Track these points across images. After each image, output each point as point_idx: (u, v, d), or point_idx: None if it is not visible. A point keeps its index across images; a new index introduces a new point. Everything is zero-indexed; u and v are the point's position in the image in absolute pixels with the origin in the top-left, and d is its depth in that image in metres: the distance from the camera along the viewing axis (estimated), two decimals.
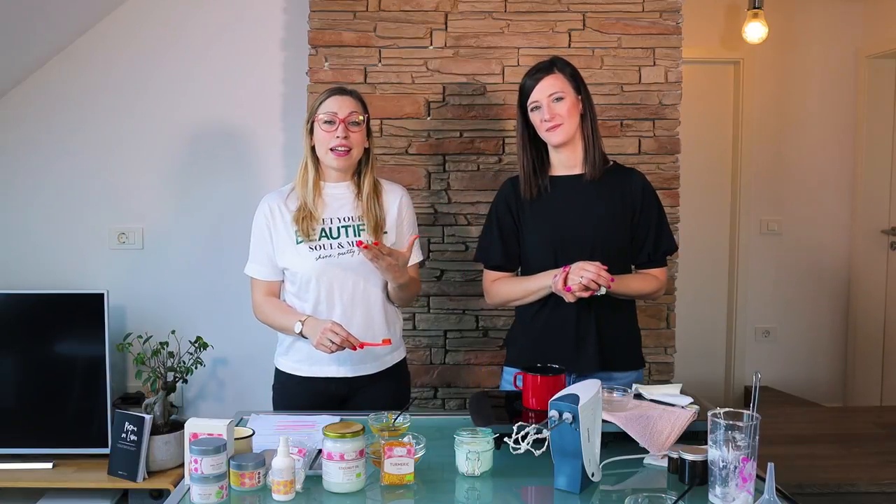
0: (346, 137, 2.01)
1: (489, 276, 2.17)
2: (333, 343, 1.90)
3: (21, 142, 3.11)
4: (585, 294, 1.89)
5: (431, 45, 2.81)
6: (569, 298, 1.91)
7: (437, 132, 2.83)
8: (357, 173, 2.11)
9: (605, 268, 1.88)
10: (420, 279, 2.24)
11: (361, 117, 2.05)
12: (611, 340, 2.05)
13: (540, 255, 2.07)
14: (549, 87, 2.00)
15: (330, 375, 2.08)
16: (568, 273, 1.90)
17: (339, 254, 2.03)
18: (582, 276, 1.87)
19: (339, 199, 2.09)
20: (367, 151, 2.10)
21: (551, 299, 2.02)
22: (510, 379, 2.11)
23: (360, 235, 2.05)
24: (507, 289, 2.12)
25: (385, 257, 1.91)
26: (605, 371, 2.01)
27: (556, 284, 1.92)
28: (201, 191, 3.14)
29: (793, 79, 4.45)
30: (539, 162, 2.09)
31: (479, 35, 2.81)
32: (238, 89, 3.10)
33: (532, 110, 2.04)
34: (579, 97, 2.04)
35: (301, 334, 2.00)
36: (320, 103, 2.04)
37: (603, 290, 1.89)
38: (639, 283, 2.08)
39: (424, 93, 2.82)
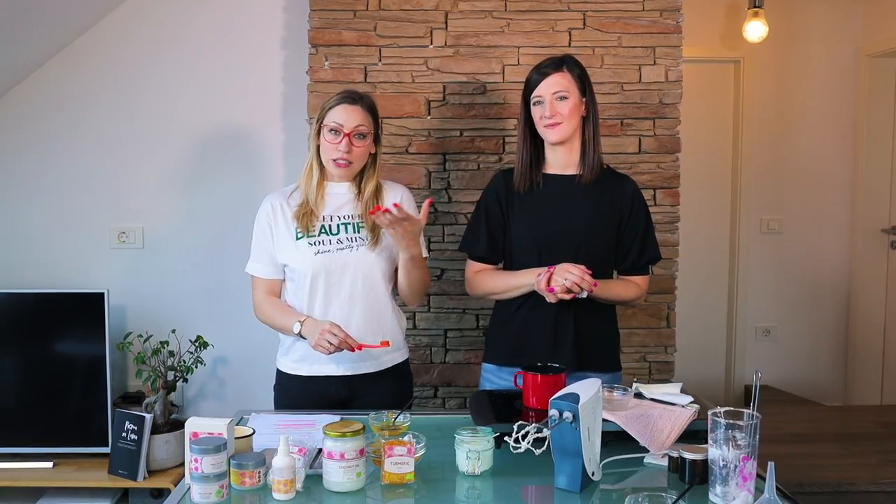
0: (348, 151, 2.00)
1: (472, 266, 2.17)
2: (331, 344, 1.90)
3: (21, 142, 3.11)
4: (567, 296, 1.89)
5: (431, 44, 2.81)
6: (550, 299, 1.91)
7: (437, 131, 2.83)
8: (360, 174, 2.11)
9: (590, 272, 1.88)
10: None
11: (368, 130, 2.04)
12: (588, 341, 2.05)
13: (524, 250, 2.07)
14: (554, 85, 2.00)
15: (329, 374, 2.07)
16: (552, 273, 1.90)
17: (337, 249, 2.04)
18: (566, 279, 1.87)
19: (341, 199, 2.09)
20: (373, 156, 2.09)
21: (531, 297, 2.02)
22: (488, 376, 2.13)
23: (359, 233, 2.05)
24: (490, 282, 2.12)
25: (402, 222, 1.88)
26: (581, 371, 2.01)
27: (538, 283, 1.92)
28: (202, 190, 3.14)
29: (793, 78, 4.45)
30: (536, 157, 2.09)
31: (479, 34, 2.81)
32: (238, 89, 3.10)
33: (534, 104, 2.03)
34: (583, 99, 2.03)
35: (300, 335, 2.00)
36: (330, 108, 2.03)
37: (585, 294, 1.89)
38: (620, 288, 2.09)
39: (425, 92, 2.81)
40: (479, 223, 2.13)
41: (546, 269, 1.92)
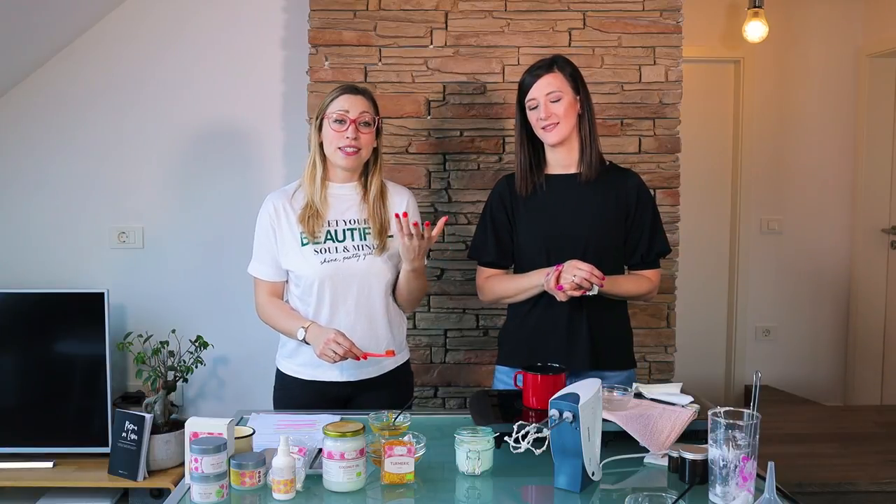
0: (355, 138, 1.99)
1: (482, 272, 2.17)
2: (337, 354, 1.90)
3: (21, 142, 3.11)
4: (577, 293, 1.89)
5: (432, 44, 2.81)
6: (560, 297, 1.91)
7: (437, 131, 2.83)
8: (364, 174, 2.10)
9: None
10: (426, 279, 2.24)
11: (372, 118, 2.04)
12: (602, 340, 2.05)
13: (533, 252, 2.07)
14: (546, 86, 2.00)
15: (332, 380, 2.07)
16: (560, 272, 1.90)
17: (344, 258, 2.02)
18: (574, 275, 1.87)
19: (345, 201, 2.07)
20: (374, 151, 2.08)
21: (543, 298, 2.02)
22: (502, 378, 2.12)
23: (365, 239, 2.04)
24: (500, 286, 2.12)
25: (419, 239, 1.91)
26: (597, 370, 2.02)
27: (548, 283, 1.92)
28: (202, 190, 3.14)
29: (793, 78, 4.45)
30: (536, 159, 2.09)
31: (479, 34, 2.81)
32: (238, 89, 3.10)
33: (530, 109, 2.04)
34: (578, 97, 2.03)
35: (304, 341, 1.99)
36: (332, 100, 2.02)
37: (595, 290, 1.89)
38: (631, 284, 2.09)
39: (425, 92, 2.81)
40: (486, 229, 2.14)
41: (554, 268, 1.92)
